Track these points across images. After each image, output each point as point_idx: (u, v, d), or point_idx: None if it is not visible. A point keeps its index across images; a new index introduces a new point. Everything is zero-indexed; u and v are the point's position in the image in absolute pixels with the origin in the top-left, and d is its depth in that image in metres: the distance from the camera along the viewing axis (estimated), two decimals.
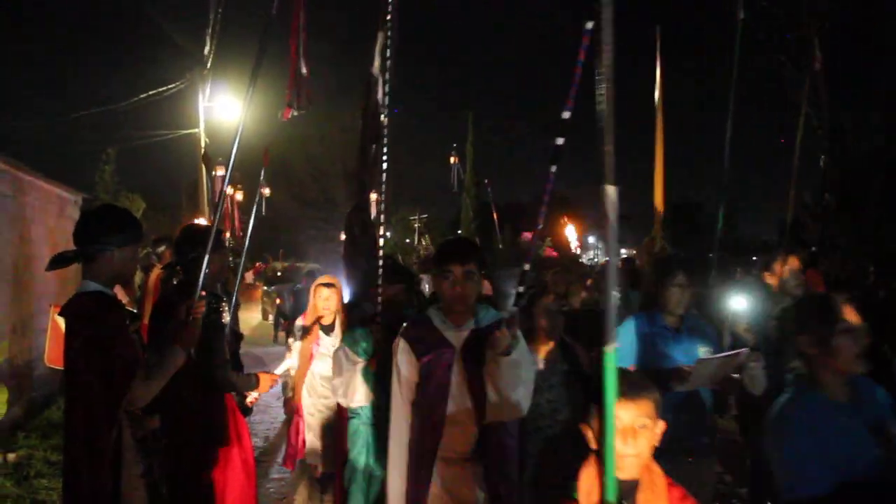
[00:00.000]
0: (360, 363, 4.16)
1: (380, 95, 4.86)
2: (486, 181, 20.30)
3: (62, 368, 3.30)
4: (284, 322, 11.29)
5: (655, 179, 10.18)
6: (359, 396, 4.15)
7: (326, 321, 5.67)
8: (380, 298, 4.21)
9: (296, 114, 4.83)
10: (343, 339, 4.36)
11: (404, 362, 3.40)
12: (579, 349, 4.40)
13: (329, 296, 5.59)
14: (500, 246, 11.95)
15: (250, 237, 6.16)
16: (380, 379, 4.02)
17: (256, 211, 6.09)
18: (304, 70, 4.80)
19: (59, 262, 3.34)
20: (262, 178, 6.15)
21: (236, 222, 19.38)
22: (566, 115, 3.14)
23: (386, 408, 3.65)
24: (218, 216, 3.89)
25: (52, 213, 10.88)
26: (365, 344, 4.21)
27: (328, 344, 5.55)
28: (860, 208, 14.91)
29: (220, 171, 18.82)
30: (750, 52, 18.49)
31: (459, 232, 36.15)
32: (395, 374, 3.44)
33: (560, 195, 35.95)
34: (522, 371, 3.35)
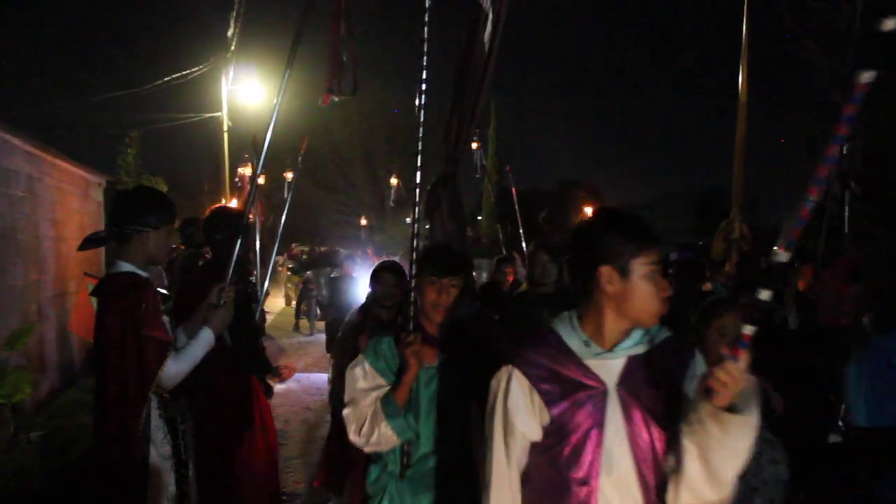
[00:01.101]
0: (385, 387, 2.97)
1: (487, 35, 4.29)
2: (507, 167, 20.21)
3: (88, 339, 3.30)
4: (322, 312, 10.70)
5: (736, 152, 9.25)
6: (382, 436, 2.90)
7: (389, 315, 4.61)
8: (413, 296, 3.10)
9: (336, 100, 4.70)
10: (364, 351, 3.08)
11: (520, 408, 2.17)
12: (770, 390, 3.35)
13: (396, 283, 4.69)
14: (521, 231, 11.96)
15: (279, 223, 6.17)
16: (417, 407, 2.98)
17: (289, 196, 6.09)
18: (344, 56, 4.66)
19: (92, 242, 3.35)
20: (299, 163, 6.22)
21: (259, 207, 19.39)
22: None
23: (433, 458, 2.99)
24: (251, 200, 3.88)
25: (77, 195, 10.94)
26: (391, 358, 3.01)
27: None
28: (890, 195, 14.69)
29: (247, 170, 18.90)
30: (777, 39, 18.26)
31: (479, 218, 36.09)
32: (497, 422, 2.21)
33: (583, 182, 35.82)
34: (750, 437, 1.96)
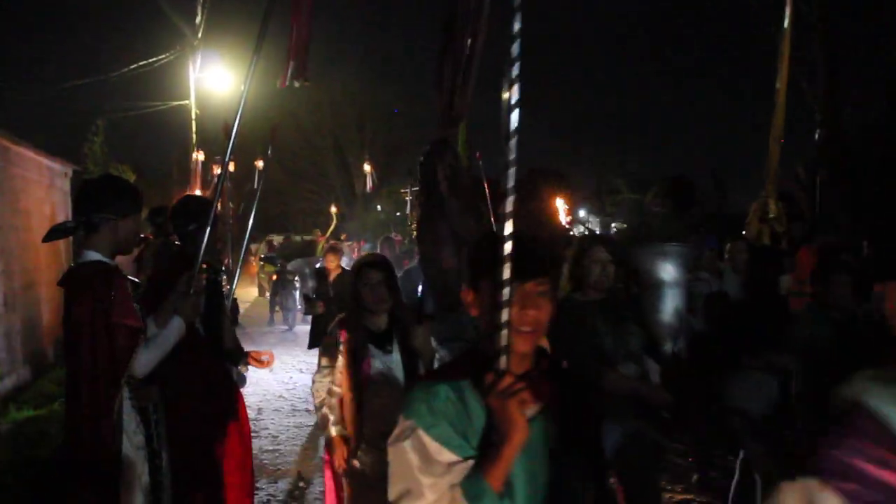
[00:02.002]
0: (461, 463, 1.76)
1: None
2: (476, 154, 20.12)
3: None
4: (309, 305, 8.99)
5: (773, 128, 8.61)
6: None
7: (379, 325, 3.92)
8: (471, 297, 1.93)
9: (297, 85, 4.66)
10: (410, 411, 1.80)
11: None
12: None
13: (382, 281, 3.84)
14: (492, 220, 11.86)
15: (245, 210, 6.13)
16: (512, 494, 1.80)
17: (259, 185, 6.05)
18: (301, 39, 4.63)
19: (57, 233, 3.31)
20: (269, 152, 6.13)
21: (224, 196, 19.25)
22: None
23: None
24: (219, 189, 3.87)
25: (43, 185, 10.80)
26: (462, 415, 1.80)
27: (381, 364, 3.85)
28: (858, 183, 14.90)
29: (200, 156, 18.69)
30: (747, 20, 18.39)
31: None
32: None
33: (553, 170, 35.82)
34: None
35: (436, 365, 4.01)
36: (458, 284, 3.45)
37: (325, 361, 4.05)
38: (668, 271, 4.05)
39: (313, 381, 4.15)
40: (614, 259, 4.09)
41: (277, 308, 17.80)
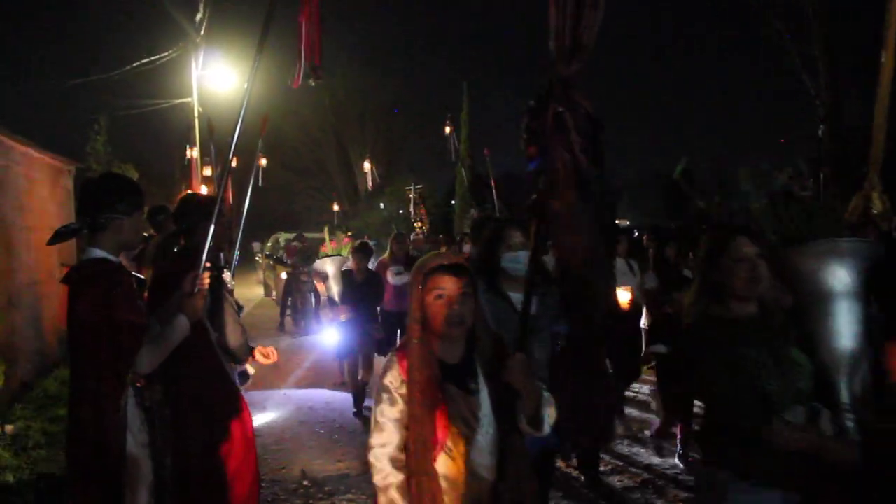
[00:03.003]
0: None
1: None
2: (485, 151, 20.01)
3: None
4: (335, 311, 8.16)
5: (876, 113, 8.03)
6: None
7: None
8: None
9: (312, 84, 4.62)
10: None
11: None
12: None
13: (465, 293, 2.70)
14: (498, 215, 11.93)
15: (247, 207, 6.12)
16: None
17: (254, 182, 6.03)
18: (312, 39, 4.60)
19: (62, 235, 3.31)
20: (259, 147, 6.10)
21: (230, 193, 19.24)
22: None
23: None
24: (222, 186, 3.86)
25: (46, 183, 10.80)
26: None
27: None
28: (858, 179, 14.89)
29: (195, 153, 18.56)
30: (750, 19, 18.35)
31: (454, 202, 36.07)
32: None
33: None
34: None
35: (545, 394, 2.81)
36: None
37: (380, 413, 2.74)
38: (840, 277, 3.11)
39: (370, 447, 2.75)
40: (763, 254, 3.04)
41: (289, 312, 16.22)
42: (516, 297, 3.69)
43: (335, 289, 8.26)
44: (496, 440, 2.71)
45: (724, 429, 2.94)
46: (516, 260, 3.81)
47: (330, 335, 9.33)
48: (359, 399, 8.43)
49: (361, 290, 8.32)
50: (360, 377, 8.35)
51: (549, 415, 2.75)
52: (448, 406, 2.65)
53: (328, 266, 8.39)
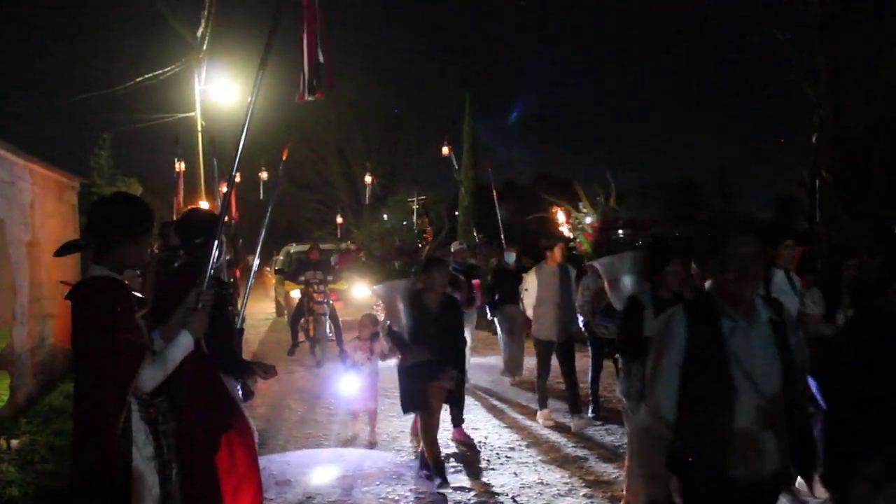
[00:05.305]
0: None
1: None
2: (486, 163, 20.06)
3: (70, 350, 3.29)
4: (389, 348, 6.84)
5: None
6: None
7: None
8: None
9: (311, 99, 4.66)
10: None
11: None
12: None
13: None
14: (500, 226, 11.94)
15: (247, 222, 6.14)
16: None
17: (271, 199, 5.98)
18: (321, 56, 4.64)
19: (69, 248, 3.34)
20: (280, 171, 6.09)
21: (234, 207, 19.32)
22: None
23: None
24: (225, 202, 3.89)
25: (51, 199, 10.84)
26: None
27: None
28: (861, 185, 14.86)
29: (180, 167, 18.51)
30: (750, 28, 18.40)
31: (457, 213, 36.10)
32: None
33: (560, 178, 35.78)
34: None
35: None
36: None
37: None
38: None
39: None
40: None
41: (302, 337, 13.77)
42: None
43: (404, 322, 6.47)
44: None
45: None
46: None
47: (349, 383, 7.94)
48: (439, 469, 6.38)
49: (438, 323, 6.44)
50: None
51: None
52: None
53: (397, 291, 6.66)
